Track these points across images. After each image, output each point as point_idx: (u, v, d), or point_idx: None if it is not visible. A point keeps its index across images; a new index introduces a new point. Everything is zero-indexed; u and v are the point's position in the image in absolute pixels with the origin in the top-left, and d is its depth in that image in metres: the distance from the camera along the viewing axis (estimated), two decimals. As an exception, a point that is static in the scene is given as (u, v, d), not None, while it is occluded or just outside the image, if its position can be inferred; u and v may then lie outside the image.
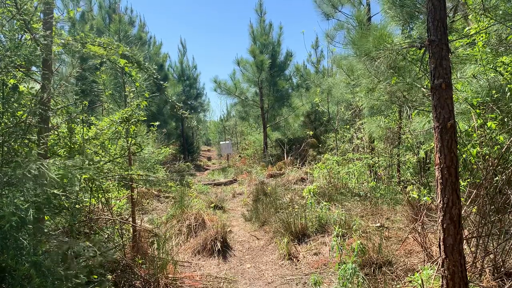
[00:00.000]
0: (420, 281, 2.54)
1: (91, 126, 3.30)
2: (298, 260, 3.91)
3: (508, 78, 3.40)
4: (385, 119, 6.35)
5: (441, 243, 2.19)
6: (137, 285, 3.06)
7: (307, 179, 8.27)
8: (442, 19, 2.18)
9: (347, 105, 9.91)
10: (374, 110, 6.32)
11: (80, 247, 2.10)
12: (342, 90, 8.29)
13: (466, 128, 3.38)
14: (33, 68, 2.55)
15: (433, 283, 2.66)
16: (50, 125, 2.62)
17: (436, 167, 2.22)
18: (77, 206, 2.77)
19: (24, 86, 2.37)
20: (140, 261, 3.28)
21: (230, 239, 4.79)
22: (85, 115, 2.97)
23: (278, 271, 3.77)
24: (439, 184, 2.19)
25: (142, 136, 4.18)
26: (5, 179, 1.84)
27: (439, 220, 2.20)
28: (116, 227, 3.54)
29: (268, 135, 14.80)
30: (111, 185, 3.87)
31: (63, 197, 2.20)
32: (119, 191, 4.25)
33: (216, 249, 4.26)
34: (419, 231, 3.32)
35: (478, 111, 3.27)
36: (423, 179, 5.36)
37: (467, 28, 3.83)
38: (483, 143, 3.09)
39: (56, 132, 2.81)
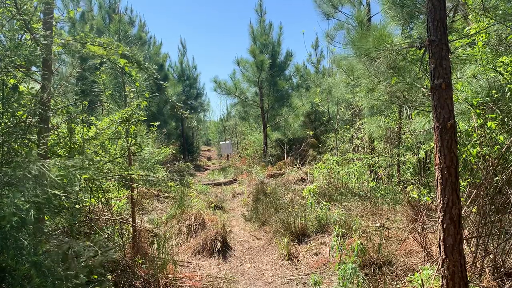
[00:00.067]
0: (420, 281, 2.54)
1: (91, 126, 3.30)
2: (298, 260, 3.91)
3: (508, 78, 3.40)
4: (385, 119, 6.35)
5: (441, 243, 2.19)
6: (137, 285, 3.06)
7: (307, 179, 8.27)
8: (442, 19, 2.18)
9: (347, 105, 9.91)
10: (374, 110, 6.32)
11: (80, 247, 2.10)
12: (342, 90, 8.29)
13: (466, 128, 3.38)
14: (33, 68, 2.55)
15: (433, 283, 2.66)
16: (50, 125, 2.62)
17: (436, 167, 2.22)
18: (77, 206, 2.77)
19: (24, 86, 2.37)
20: (140, 261, 3.28)
21: (230, 239, 4.79)
22: (85, 115, 2.97)
23: (278, 271, 3.77)
24: (439, 184, 2.19)
25: (142, 136, 4.18)
26: (5, 179, 1.84)
27: (439, 220, 2.20)
28: (116, 227, 3.54)
29: (268, 135, 14.80)
30: (111, 185, 3.87)
31: (63, 197, 2.20)
32: (119, 191, 4.25)
33: (216, 249, 4.26)
34: (419, 231, 3.32)
35: (478, 111, 3.27)
36: (423, 179, 5.36)
37: (467, 28, 3.83)
38: (483, 143, 3.09)
39: (56, 132, 2.81)
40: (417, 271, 2.92)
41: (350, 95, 7.80)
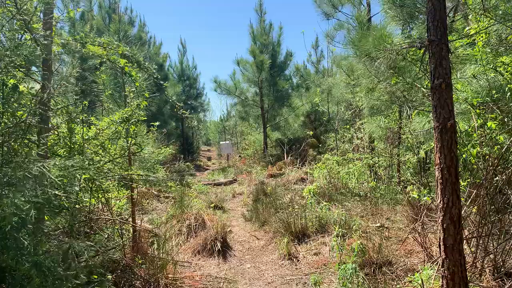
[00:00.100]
0: (420, 281, 2.54)
1: (91, 126, 3.30)
2: (298, 260, 3.91)
3: (508, 78, 3.40)
4: (385, 119, 6.35)
5: (441, 243, 2.19)
6: (137, 285, 3.06)
7: (307, 179, 8.27)
8: (442, 19, 2.18)
9: (347, 105, 9.92)
10: (374, 110, 6.32)
11: (80, 247, 2.10)
12: (342, 90, 8.30)
13: (466, 128, 3.38)
14: (33, 68, 2.55)
15: (433, 283, 2.66)
16: (50, 125, 2.62)
17: (436, 167, 2.22)
18: (77, 206, 2.78)
19: (24, 86, 2.37)
20: (140, 261, 3.28)
21: (230, 239, 4.79)
22: (85, 115, 2.97)
23: (278, 271, 3.77)
24: (439, 184, 2.19)
25: (142, 136, 4.18)
26: (5, 179, 1.84)
27: (439, 220, 2.20)
28: (116, 227, 3.54)
29: (268, 135, 14.81)
30: (111, 185, 3.87)
31: (63, 197, 2.20)
32: (119, 191, 4.25)
33: (216, 249, 4.26)
34: (419, 231, 3.32)
35: (478, 111, 3.27)
36: (423, 179, 5.36)
37: (467, 28, 3.83)
38: (483, 143, 3.09)
39: (56, 132, 2.81)
40: (417, 271, 2.92)
41: (350, 95, 7.81)
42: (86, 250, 2.11)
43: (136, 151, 3.66)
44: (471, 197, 3.03)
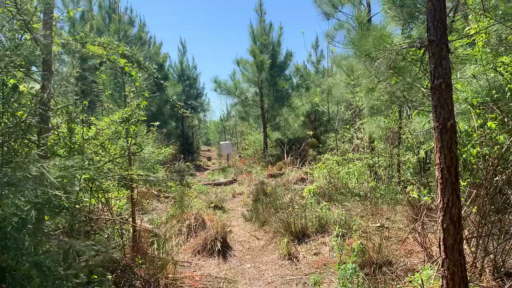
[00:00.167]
0: (420, 281, 2.55)
1: (91, 126, 3.30)
2: (298, 260, 3.91)
3: (508, 78, 3.40)
4: (385, 119, 6.35)
5: (441, 243, 2.19)
6: (137, 285, 3.06)
7: (307, 179, 8.27)
8: (442, 19, 2.18)
9: (347, 105, 9.92)
10: (374, 110, 6.32)
11: (81, 246, 2.10)
12: (342, 90, 8.30)
13: (466, 128, 3.38)
14: (33, 68, 2.55)
15: (433, 283, 2.66)
16: (50, 125, 2.62)
17: (436, 167, 2.22)
18: (77, 206, 2.78)
19: (24, 86, 2.37)
20: (140, 261, 3.28)
21: (230, 239, 4.79)
22: (85, 115, 2.97)
23: (278, 271, 3.77)
24: (439, 184, 2.19)
25: (142, 136, 4.18)
26: (5, 180, 1.84)
27: (439, 220, 2.20)
28: (116, 227, 3.54)
29: (268, 135, 14.81)
30: (111, 185, 3.87)
31: (63, 197, 2.20)
32: (119, 191, 4.25)
33: (216, 249, 4.26)
34: (419, 231, 3.32)
35: (478, 111, 3.27)
36: (423, 179, 5.36)
37: (467, 28, 3.83)
38: (483, 143, 3.09)
39: (56, 132, 2.81)
40: (417, 271, 2.93)
41: (350, 95, 7.81)
42: (87, 250, 2.11)
43: (136, 151, 3.66)
44: (471, 197, 3.03)
